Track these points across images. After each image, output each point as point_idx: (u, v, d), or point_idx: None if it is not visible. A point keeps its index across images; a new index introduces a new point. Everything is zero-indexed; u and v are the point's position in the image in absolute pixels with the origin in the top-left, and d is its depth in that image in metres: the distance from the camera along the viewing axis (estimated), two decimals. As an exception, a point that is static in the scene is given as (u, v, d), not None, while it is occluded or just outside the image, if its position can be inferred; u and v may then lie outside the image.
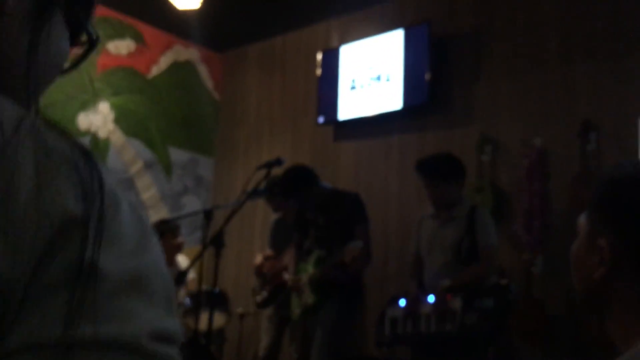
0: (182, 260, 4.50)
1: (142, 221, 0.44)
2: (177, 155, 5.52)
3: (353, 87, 4.70)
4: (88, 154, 0.43)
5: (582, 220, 1.02)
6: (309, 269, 3.53)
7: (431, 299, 3.20)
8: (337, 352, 3.38)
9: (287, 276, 3.74)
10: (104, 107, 5.04)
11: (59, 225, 0.38)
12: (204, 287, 4.20)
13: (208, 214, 3.45)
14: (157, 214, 5.17)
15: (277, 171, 3.48)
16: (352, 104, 4.69)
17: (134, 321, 0.39)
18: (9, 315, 0.36)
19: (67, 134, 0.44)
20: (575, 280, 1.03)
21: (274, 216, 4.36)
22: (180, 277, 2.82)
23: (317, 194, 3.58)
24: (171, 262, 4.25)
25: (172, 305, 0.42)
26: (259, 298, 4.07)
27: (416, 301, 3.27)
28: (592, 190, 1.03)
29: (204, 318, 3.88)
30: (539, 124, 3.81)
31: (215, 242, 2.88)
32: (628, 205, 0.94)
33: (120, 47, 5.19)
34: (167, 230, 4.24)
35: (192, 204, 5.48)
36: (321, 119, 4.87)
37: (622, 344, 0.95)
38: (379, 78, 4.54)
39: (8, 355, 0.36)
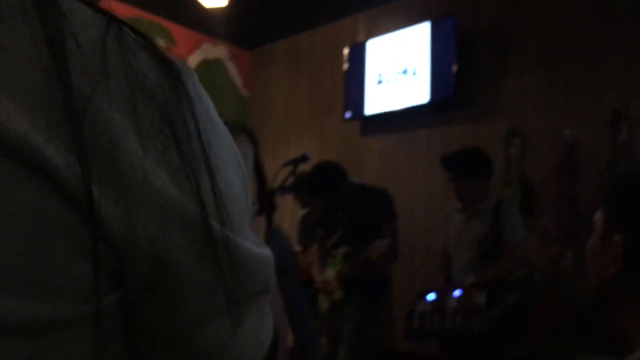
0: None
1: (243, 179, 0.44)
2: (207, 152, 5.59)
3: (380, 82, 4.69)
4: (179, 88, 0.39)
5: (598, 215, 1.02)
6: (338, 264, 3.55)
7: (457, 293, 3.20)
8: (364, 346, 3.40)
9: (318, 276, 3.75)
10: (135, 107, 5.14)
11: (171, 214, 0.37)
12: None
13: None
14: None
15: (304, 167, 3.51)
16: (378, 99, 4.68)
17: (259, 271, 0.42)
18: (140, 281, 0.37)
19: (155, 50, 0.40)
20: (590, 275, 1.02)
21: (301, 212, 4.39)
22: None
23: (345, 191, 3.58)
24: None
25: None
26: None
27: (443, 296, 3.27)
28: (608, 185, 1.02)
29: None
30: (567, 115, 3.75)
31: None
32: None
33: (149, 46, 5.29)
34: None
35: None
36: (348, 114, 4.88)
37: (636, 340, 0.95)
38: (405, 72, 4.52)
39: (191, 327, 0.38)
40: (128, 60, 0.37)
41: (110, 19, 0.38)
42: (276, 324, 0.48)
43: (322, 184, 3.55)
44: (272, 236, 0.68)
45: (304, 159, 3.25)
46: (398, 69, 4.57)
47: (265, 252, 0.43)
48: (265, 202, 0.73)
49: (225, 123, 0.70)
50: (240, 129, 0.70)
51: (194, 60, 5.57)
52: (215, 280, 0.38)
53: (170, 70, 0.39)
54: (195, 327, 0.38)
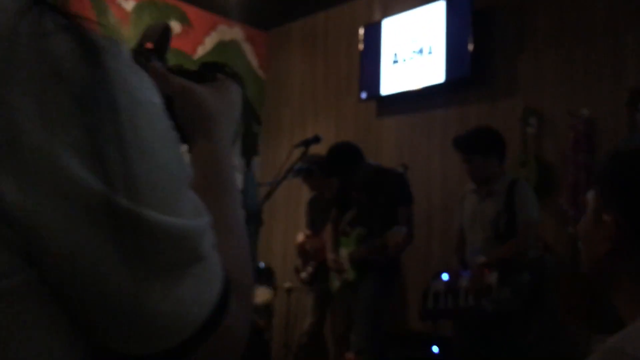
0: None
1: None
2: (224, 134, 5.61)
3: (395, 61, 4.65)
4: (98, 71, 0.40)
5: (590, 195, 1.02)
6: (351, 245, 3.56)
7: (470, 273, 3.20)
8: (377, 327, 3.42)
9: (330, 255, 3.76)
10: (151, 89, 5.15)
11: (83, 201, 0.38)
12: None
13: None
14: (206, 192, 5.31)
15: (315, 149, 3.50)
16: (394, 79, 4.65)
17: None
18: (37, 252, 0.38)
19: (77, 32, 0.40)
20: (583, 255, 1.03)
21: (310, 195, 4.39)
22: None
23: (362, 172, 3.57)
24: None
25: None
26: (303, 275, 4.13)
27: (457, 276, 3.27)
28: (600, 164, 1.02)
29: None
30: (585, 94, 3.68)
31: (252, 220, 2.94)
32: (632, 181, 0.93)
33: (166, 29, 5.29)
34: None
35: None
36: (364, 95, 4.86)
37: (628, 317, 0.95)
38: (421, 51, 4.48)
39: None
40: (43, 46, 0.38)
41: (31, 2, 0.39)
42: (239, 274, 0.51)
43: (339, 165, 3.54)
44: (245, 179, 0.70)
45: (316, 139, 3.26)
46: (414, 49, 4.53)
47: (195, 222, 0.44)
48: (248, 145, 0.75)
49: (208, 66, 0.71)
50: (224, 72, 0.71)
51: (210, 42, 5.58)
52: (126, 255, 0.40)
53: (90, 52, 0.40)
54: (117, 300, 0.40)
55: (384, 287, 3.46)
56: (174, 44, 5.33)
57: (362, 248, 3.47)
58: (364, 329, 3.39)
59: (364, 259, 3.45)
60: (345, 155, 3.55)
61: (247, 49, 5.87)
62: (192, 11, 5.46)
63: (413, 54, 4.53)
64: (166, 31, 0.76)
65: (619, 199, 0.94)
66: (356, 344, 3.41)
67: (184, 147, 0.63)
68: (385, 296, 3.48)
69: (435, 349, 3.59)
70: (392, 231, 3.25)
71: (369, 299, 3.41)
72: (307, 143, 3.17)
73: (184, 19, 5.42)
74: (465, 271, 3.26)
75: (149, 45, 0.72)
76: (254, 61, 5.91)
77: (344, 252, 3.57)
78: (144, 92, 0.43)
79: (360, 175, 3.53)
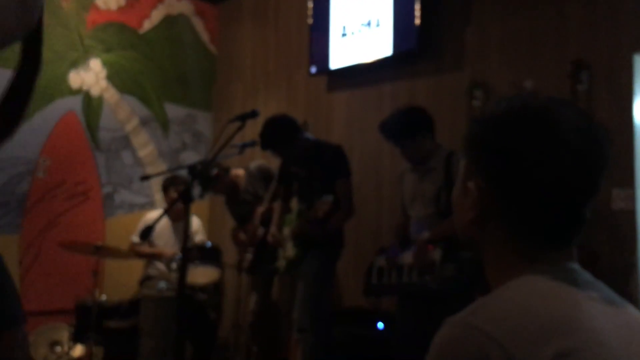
0: (194, 220, 4.49)
1: None
2: (174, 111, 5.48)
3: (344, 35, 4.56)
4: None
5: (461, 162, 0.99)
6: (293, 222, 3.50)
7: (414, 249, 3.16)
8: (320, 305, 3.38)
9: (272, 230, 3.70)
10: (96, 64, 4.99)
11: None
12: (198, 241, 4.23)
13: (192, 169, 3.41)
14: (157, 170, 5.18)
15: (255, 123, 3.42)
16: (343, 52, 4.56)
17: None
18: None
19: None
20: (455, 223, 0.99)
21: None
22: (145, 232, 2.78)
23: (300, 146, 3.50)
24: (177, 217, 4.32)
25: None
26: (245, 264, 4.09)
27: (401, 252, 3.23)
28: (465, 131, 0.98)
29: (195, 273, 3.91)
30: (530, 66, 3.65)
31: (184, 197, 2.84)
32: (491, 148, 0.89)
33: (109, 1, 5.11)
34: (169, 185, 4.31)
35: (191, 159, 5.44)
36: (313, 69, 4.77)
37: (492, 284, 0.92)
38: (369, 24, 4.39)
39: None
40: None
41: None
42: None
43: (274, 138, 3.45)
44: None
45: (253, 114, 3.16)
46: (362, 21, 4.44)
47: None
48: None
49: None
50: None
51: (156, 15, 5.41)
52: None
53: None
54: None
55: (327, 264, 3.42)
56: (119, 17, 5.17)
57: (297, 223, 3.41)
58: (306, 307, 3.35)
59: (305, 236, 3.39)
60: (280, 129, 3.46)
61: (198, 23, 5.71)
62: (137, -17, 5.29)
63: (361, 27, 4.44)
64: None
65: (479, 164, 0.90)
66: (298, 323, 3.36)
67: None
68: (328, 273, 3.44)
69: (380, 325, 3.57)
70: (319, 202, 3.20)
71: (311, 276, 3.36)
72: (243, 118, 3.07)
73: (128, -8, 5.24)
74: (409, 247, 3.23)
75: None
76: (204, 36, 5.76)
77: (286, 230, 3.51)
78: None
79: (299, 150, 3.46)
